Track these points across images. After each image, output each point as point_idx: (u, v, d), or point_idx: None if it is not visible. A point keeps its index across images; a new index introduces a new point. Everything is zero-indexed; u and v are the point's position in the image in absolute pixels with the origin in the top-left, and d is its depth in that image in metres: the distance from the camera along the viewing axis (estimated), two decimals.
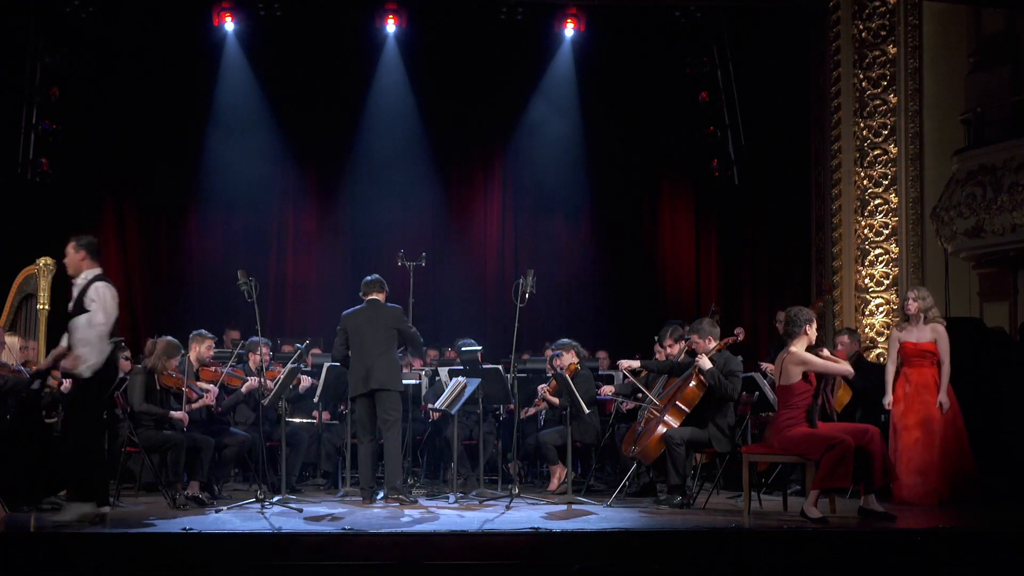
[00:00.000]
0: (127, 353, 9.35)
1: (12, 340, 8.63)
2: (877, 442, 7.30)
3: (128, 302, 13.42)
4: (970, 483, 8.28)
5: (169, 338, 8.54)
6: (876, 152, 12.05)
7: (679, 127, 13.81)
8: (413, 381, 9.58)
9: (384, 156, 13.60)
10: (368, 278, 8.77)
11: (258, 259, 13.18)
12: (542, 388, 9.51)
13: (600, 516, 7.63)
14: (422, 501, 8.45)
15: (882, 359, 10.97)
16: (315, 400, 9.27)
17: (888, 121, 12.03)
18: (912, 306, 8.43)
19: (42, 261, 9.57)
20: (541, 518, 7.47)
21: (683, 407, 8.19)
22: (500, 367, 9.22)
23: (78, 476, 7.02)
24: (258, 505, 7.88)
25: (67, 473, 7.20)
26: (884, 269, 11.97)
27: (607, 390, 9.34)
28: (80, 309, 6.92)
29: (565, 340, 9.54)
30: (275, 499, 8.18)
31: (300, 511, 7.77)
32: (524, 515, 7.63)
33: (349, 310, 8.70)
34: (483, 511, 7.88)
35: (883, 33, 12.04)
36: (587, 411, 8.65)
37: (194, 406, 8.49)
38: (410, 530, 6.85)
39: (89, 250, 7.08)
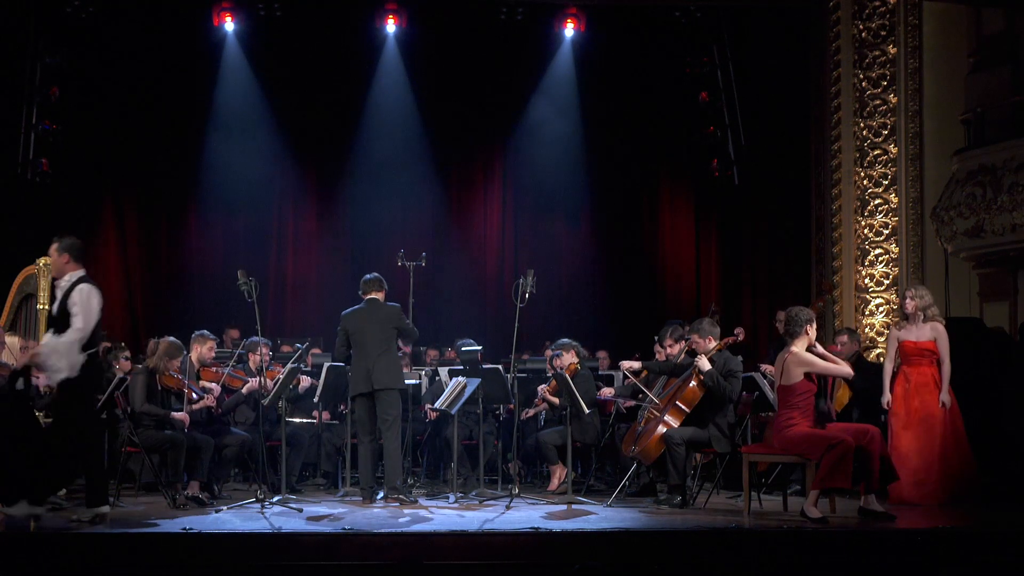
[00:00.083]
0: (127, 353, 9.36)
1: (12, 340, 8.64)
2: (877, 442, 7.31)
3: (128, 302, 13.46)
4: (969, 483, 8.28)
5: (171, 339, 8.54)
6: (876, 152, 12.04)
7: (679, 127, 13.81)
8: (413, 381, 9.58)
9: (384, 156, 13.59)
10: (367, 276, 8.78)
11: (258, 259, 13.18)
12: (542, 388, 9.51)
13: (600, 516, 7.63)
14: (422, 501, 8.46)
15: (882, 359, 10.97)
16: (315, 400, 9.26)
17: (888, 121, 12.02)
18: (909, 305, 8.43)
19: (42, 261, 9.55)
20: (541, 518, 7.47)
21: (683, 407, 8.19)
22: (500, 367, 9.22)
23: (90, 480, 7.03)
24: (258, 505, 7.88)
25: (60, 474, 7.18)
26: (884, 269, 11.97)
27: (606, 392, 9.34)
28: (63, 312, 6.89)
29: (565, 340, 9.54)
30: (275, 499, 8.18)
31: (300, 511, 7.78)
32: (524, 515, 7.63)
33: (348, 310, 8.70)
34: (483, 511, 7.89)
35: (883, 33, 12.03)
36: (587, 411, 8.66)
37: (195, 407, 8.49)
38: (410, 530, 6.85)
39: (72, 252, 7.03)
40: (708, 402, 8.16)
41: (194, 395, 8.51)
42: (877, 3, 12.04)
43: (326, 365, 8.98)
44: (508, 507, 8.07)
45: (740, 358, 8.67)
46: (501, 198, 14.13)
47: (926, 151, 11.93)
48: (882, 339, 11.67)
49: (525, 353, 11.15)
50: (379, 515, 7.65)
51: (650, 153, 13.95)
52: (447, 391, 8.80)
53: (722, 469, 8.61)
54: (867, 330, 11.84)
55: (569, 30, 13.32)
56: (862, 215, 12.04)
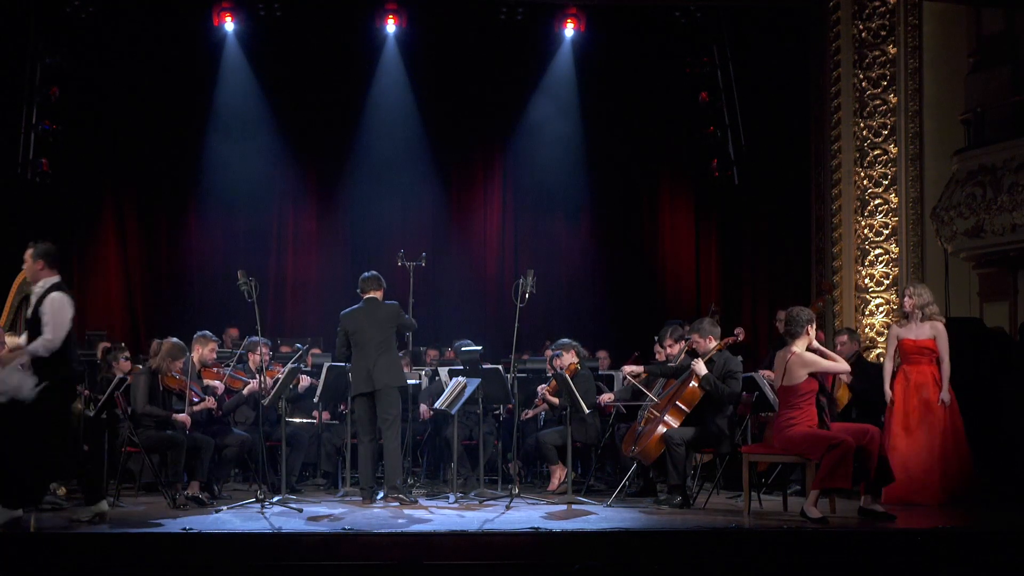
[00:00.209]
0: (127, 354, 9.35)
1: (12, 340, 8.61)
2: (877, 442, 7.32)
3: (128, 302, 13.47)
4: (968, 483, 8.28)
5: (174, 340, 8.54)
6: (876, 152, 12.04)
7: (679, 127, 13.81)
8: (414, 381, 9.58)
9: (384, 156, 13.59)
10: (365, 275, 8.77)
11: (258, 259, 13.18)
12: (542, 388, 9.51)
13: (600, 516, 7.63)
14: (422, 501, 8.46)
15: (881, 359, 10.97)
16: (315, 400, 9.26)
17: (888, 121, 12.02)
18: (908, 303, 8.44)
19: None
20: (541, 518, 7.47)
21: (683, 407, 8.19)
22: (500, 367, 9.22)
23: (84, 481, 7.03)
24: (258, 505, 7.88)
25: (37, 478, 7.14)
26: (884, 269, 11.97)
27: (606, 398, 9.30)
28: (36, 319, 6.88)
29: (565, 340, 9.54)
30: (275, 499, 8.18)
31: (300, 511, 7.77)
32: (524, 515, 7.63)
33: (347, 310, 8.70)
34: (483, 511, 7.89)
35: (883, 33, 12.03)
36: (587, 411, 8.66)
37: (196, 408, 8.49)
38: (410, 530, 6.85)
39: (47, 258, 7.01)
40: (708, 402, 8.15)
41: (195, 397, 8.51)
42: (877, 3, 12.04)
43: (326, 365, 8.99)
44: (508, 507, 8.07)
45: (740, 358, 8.67)
46: (501, 198, 14.13)
47: (926, 151, 11.93)
48: (882, 339, 11.67)
49: (525, 353, 11.15)
50: (379, 515, 7.65)
51: (650, 153, 13.95)
52: (447, 391, 8.80)
53: (722, 469, 8.60)
54: (867, 330, 11.84)
55: (569, 30, 13.32)
56: (862, 215, 12.04)
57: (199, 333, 8.84)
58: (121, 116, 13.13)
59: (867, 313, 11.95)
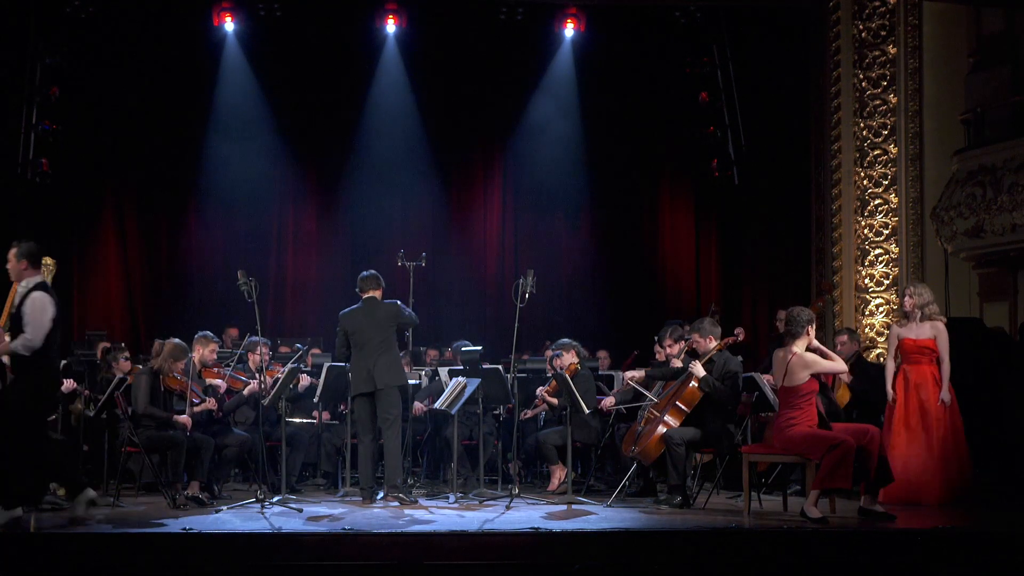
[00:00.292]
0: (126, 354, 9.35)
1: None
2: (877, 442, 7.32)
3: (128, 302, 13.47)
4: (966, 483, 8.27)
5: (176, 341, 8.53)
6: (876, 152, 12.04)
7: (679, 127, 13.81)
8: (414, 381, 9.58)
9: (384, 156, 13.59)
10: (364, 274, 8.76)
11: (258, 259, 13.18)
12: (541, 390, 9.50)
13: (600, 516, 7.63)
14: (422, 501, 8.46)
15: (882, 359, 10.97)
16: (315, 400, 9.26)
17: (888, 121, 12.02)
18: (908, 302, 8.44)
19: (42, 261, 9.50)
20: (541, 518, 7.47)
21: (683, 407, 8.19)
22: (500, 367, 9.22)
23: (61, 479, 7.06)
24: (258, 505, 7.88)
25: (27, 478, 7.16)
26: (884, 269, 11.97)
27: (608, 402, 9.26)
28: (19, 317, 6.91)
29: (565, 340, 9.54)
30: (275, 499, 8.18)
31: (300, 511, 7.77)
32: (524, 515, 7.63)
33: (346, 310, 8.69)
34: (483, 511, 7.89)
35: (883, 33, 12.03)
36: (587, 411, 8.65)
37: (197, 409, 8.49)
38: (410, 530, 6.85)
39: (30, 257, 7.06)
40: (708, 402, 8.15)
41: (196, 398, 8.51)
42: (877, 3, 12.04)
43: (326, 365, 8.98)
44: (508, 507, 8.07)
45: (740, 358, 8.68)
46: (501, 198, 14.13)
47: (926, 151, 11.94)
48: (882, 339, 11.68)
49: (525, 353, 11.15)
50: (379, 515, 7.65)
51: (650, 153, 13.95)
52: (447, 391, 8.80)
53: (722, 469, 8.60)
54: (867, 330, 11.85)
55: (569, 30, 13.32)
56: (862, 215, 12.04)
57: (200, 333, 8.83)
58: (121, 116, 13.12)
59: (867, 313, 11.96)
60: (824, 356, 7.52)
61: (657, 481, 8.73)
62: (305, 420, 9.55)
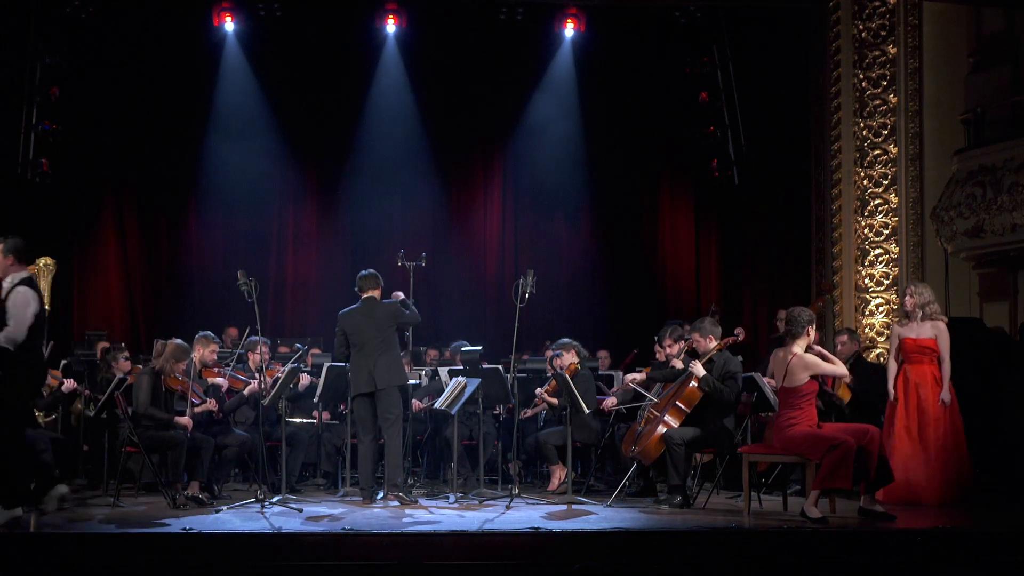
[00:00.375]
0: (126, 354, 9.35)
1: None
2: (877, 442, 7.31)
3: (128, 302, 13.47)
4: (965, 483, 8.27)
5: (178, 341, 8.52)
6: (876, 152, 12.04)
7: (679, 127, 13.80)
8: (414, 381, 9.58)
9: (384, 156, 13.59)
10: (363, 273, 8.75)
11: (258, 259, 13.18)
12: (540, 391, 9.50)
13: (600, 516, 7.63)
14: (422, 501, 8.45)
15: (882, 359, 10.97)
16: (315, 400, 9.26)
17: (888, 121, 12.03)
18: (908, 302, 8.44)
19: (42, 261, 9.54)
20: (541, 518, 7.47)
21: (683, 407, 8.19)
22: (500, 367, 9.21)
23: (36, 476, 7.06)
24: (258, 505, 7.88)
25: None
26: (884, 269, 11.97)
27: (609, 403, 9.26)
28: (3, 312, 6.93)
29: (565, 340, 9.54)
30: (275, 499, 8.18)
31: (300, 511, 7.77)
32: (524, 515, 7.63)
33: (345, 310, 8.69)
34: (483, 511, 7.89)
35: (883, 33, 12.03)
36: (587, 411, 8.65)
37: (197, 410, 8.48)
38: (410, 530, 6.85)
39: (16, 253, 7.10)
40: (708, 402, 8.15)
41: (196, 399, 8.50)
42: (877, 3, 12.04)
43: (326, 365, 8.98)
44: (508, 507, 8.07)
45: (740, 358, 8.67)
46: (501, 198, 14.12)
47: (926, 151, 11.94)
48: (882, 339, 11.68)
49: (525, 353, 11.15)
50: (379, 515, 7.64)
51: (650, 153, 13.95)
52: (447, 391, 8.80)
53: (722, 469, 8.59)
54: (867, 330, 11.85)
55: (569, 30, 13.32)
56: (862, 215, 12.04)
57: (200, 334, 8.82)
58: (121, 116, 13.11)
59: (867, 313, 11.96)
60: (825, 360, 7.51)
61: (657, 481, 8.73)
62: (305, 420, 9.54)
